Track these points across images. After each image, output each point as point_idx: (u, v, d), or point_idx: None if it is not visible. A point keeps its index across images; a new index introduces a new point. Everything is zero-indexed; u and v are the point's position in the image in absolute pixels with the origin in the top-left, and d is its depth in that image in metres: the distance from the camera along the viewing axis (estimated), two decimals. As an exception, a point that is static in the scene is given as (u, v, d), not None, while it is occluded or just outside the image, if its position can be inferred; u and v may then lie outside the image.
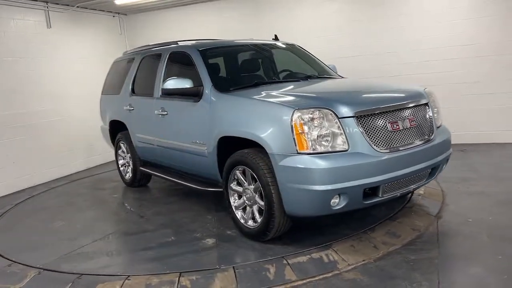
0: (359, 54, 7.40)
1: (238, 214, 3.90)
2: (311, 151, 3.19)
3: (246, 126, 3.60)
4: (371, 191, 3.34)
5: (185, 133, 4.47)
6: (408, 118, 3.56)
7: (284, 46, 5.20)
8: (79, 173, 7.47)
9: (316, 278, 3.11)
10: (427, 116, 3.76)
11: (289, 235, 3.69)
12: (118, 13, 9.06)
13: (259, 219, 3.64)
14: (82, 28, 8.09)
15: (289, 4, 7.86)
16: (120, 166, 6.25)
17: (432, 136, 3.70)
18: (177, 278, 3.19)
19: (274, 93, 3.81)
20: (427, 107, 3.80)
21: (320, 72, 4.86)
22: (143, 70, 5.59)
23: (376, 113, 3.40)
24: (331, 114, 3.25)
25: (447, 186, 4.83)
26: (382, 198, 3.42)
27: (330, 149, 3.20)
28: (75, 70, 7.79)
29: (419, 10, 7.07)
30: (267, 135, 3.38)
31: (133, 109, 5.52)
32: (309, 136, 3.20)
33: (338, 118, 3.26)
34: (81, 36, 8.06)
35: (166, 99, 4.80)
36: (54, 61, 7.41)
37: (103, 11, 8.67)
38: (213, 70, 4.36)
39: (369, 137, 3.30)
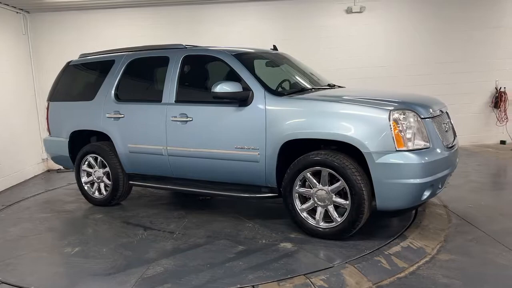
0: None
1: (307, 216, 3.96)
2: (408, 148, 3.54)
3: (330, 128, 3.73)
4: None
5: (224, 139, 4.28)
6: (446, 122, 4.21)
7: (285, 56, 5.39)
8: None
9: (420, 262, 3.45)
10: (451, 122, 4.49)
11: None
12: (22, 9, 7.78)
13: (338, 218, 3.79)
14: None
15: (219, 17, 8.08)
16: (84, 183, 5.42)
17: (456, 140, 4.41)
18: (307, 280, 3.13)
19: (344, 97, 4.06)
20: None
21: (326, 82, 5.22)
22: (134, 74, 5.09)
23: (437, 115, 3.96)
24: (415, 115, 3.68)
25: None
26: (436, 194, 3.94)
27: (420, 146, 3.60)
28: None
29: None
30: (361, 135, 3.60)
31: (122, 117, 4.93)
32: (405, 134, 3.55)
33: (421, 118, 3.70)
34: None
35: (188, 105, 4.52)
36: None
37: (7, 5, 7.34)
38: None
39: (440, 136, 3.82)
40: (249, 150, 4.14)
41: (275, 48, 5.53)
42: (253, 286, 3.09)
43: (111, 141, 5.09)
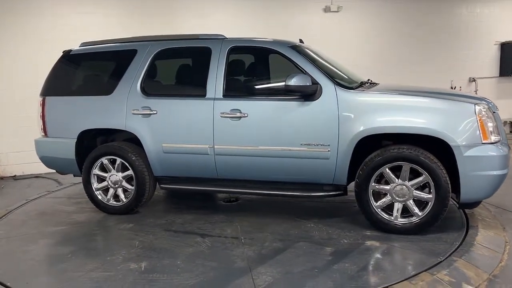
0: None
1: (382, 213, 3.91)
2: (491, 141, 3.68)
3: (417, 122, 3.72)
4: None
5: (288, 136, 4.04)
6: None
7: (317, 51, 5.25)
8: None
9: (507, 250, 3.62)
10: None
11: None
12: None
13: (419, 212, 3.80)
14: None
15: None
16: (95, 190, 4.72)
17: None
18: (434, 276, 3.09)
19: (417, 91, 4.09)
20: None
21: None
22: (165, 66, 4.60)
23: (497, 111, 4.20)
24: (490, 108, 3.85)
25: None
26: None
27: (497, 139, 3.77)
28: None
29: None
30: (450, 129, 3.64)
31: (155, 113, 4.39)
32: (488, 127, 3.69)
33: (493, 112, 3.88)
34: None
35: (241, 99, 4.20)
36: None
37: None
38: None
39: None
40: (318, 146, 3.97)
41: (301, 42, 5.37)
42: (387, 286, 2.95)
43: (135, 141, 4.51)
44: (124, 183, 4.63)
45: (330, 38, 8.32)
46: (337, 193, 4.10)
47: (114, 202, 4.70)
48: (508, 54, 9.32)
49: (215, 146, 4.24)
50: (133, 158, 4.52)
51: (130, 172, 4.57)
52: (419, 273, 3.13)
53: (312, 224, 4.20)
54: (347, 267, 3.27)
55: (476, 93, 8.73)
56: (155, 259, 3.52)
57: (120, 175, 4.62)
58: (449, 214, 4.08)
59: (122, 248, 3.79)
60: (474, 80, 9.29)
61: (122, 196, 4.66)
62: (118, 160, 4.59)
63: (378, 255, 3.48)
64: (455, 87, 9.15)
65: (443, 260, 3.33)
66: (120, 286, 3.11)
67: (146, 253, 3.66)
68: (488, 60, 9.40)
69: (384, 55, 8.69)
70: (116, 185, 4.65)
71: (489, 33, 9.21)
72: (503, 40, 9.29)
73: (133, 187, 4.58)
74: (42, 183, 6.60)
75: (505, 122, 9.48)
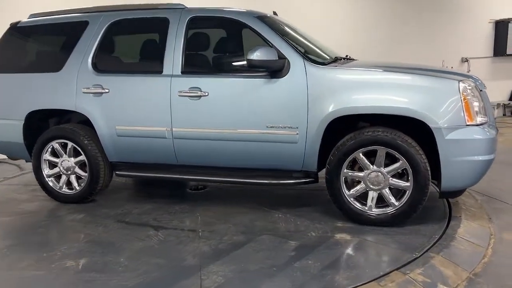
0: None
1: (355, 202, 3.52)
2: (477, 123, 3.28)
3: (395, 102, 3.31)
4: None
5: (252, 118, 3.63)
6: None
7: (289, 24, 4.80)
8: None
9: (491, 244, 3.26)
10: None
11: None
12: None
13: (396, 202, 3.42)
14: None
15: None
16: (47, 176, 4.30)
17: None
18: (406, 276, 2.72)
19: (396, 67, 3.67)
20: None
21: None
22: (119, 39, 4.15)
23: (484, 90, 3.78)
24: (476, 86, 3.43)
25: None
26: None
27: (484, 120, 3.37)
28: None
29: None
30: (431, 109, 3.24)
31: (107, 92, 3.96)
32: (473, 107, 3.28)
33: (480, 91, 3.47)
34: None
35: (201, 77, 3.77)
36: None
37: None
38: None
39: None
40: (285, 129, 3.56)
41: (275, 14, 4.91)
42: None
43: (87, 124, 4.09)
44: (77, 170, 4.22)
45: (316, 15, 7.83)
46: (307, 180, 3.72)
47: (67, 190, 4.30)
48: (502, 33, 8.89)
49: (173, 129, 3.82)
50: (85, 142, 4.10)
51: (83, 157, 4.15)
52: (391, 272, 2.76)
53: (280, 215, 3.82)
54: (310, 265, 2.89)
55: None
56: (97, 256, 3.13)
57: (72, 160, 4.21)
58: (430, 203, 3.71)
59: (64, 242, 3.40)
60: (467, 60, 8.86)
61: (75, 183, 4.25)
62: (70, 144, 4.17)
63: (347, 251, 3.11)
64: (446, 67, 8.71)
65: (419, 257, 2.96)
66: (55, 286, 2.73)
67: (90, 248, 3.27)
68: (482, 39, 8.97)
69: (372, 34, 8.23)
70: (69, 172, 4.24)
71: (483, 10, 8.76)
72: (498, 18, 8.83)
73: (86, 174, 4.17)
74: (2, 168, 6.17)
75: (498, 105, 9.11)
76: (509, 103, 9.20)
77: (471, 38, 8.85)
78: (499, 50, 8.99)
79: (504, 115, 9.14)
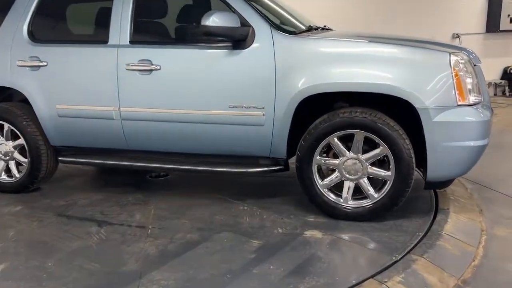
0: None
1: (329, 194, 3.07)
2: (469, 102, 2.82)
3: (375, 78, 2.83)
4: None
5: (212, 96, 3.13)
6: None
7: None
8: None
9: (482, 242, 2.87)
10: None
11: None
12: None
13: (375, 194, 2.97)
14: None
15: None
16: (-22, 163, 3.78)
17: None
18: (383, 286, 2.28)
19: (378, 38, 3.16)
20: None
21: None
22: (59, 4, 3.57)
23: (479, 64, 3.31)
24: (469, 61, 2.96)
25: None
26: None
27: (477, 100, 2.90)
28: None
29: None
30: (416, 86, 2.77)
31: (45, 65, 3.41)
32: (466, 85, 2.81)
33: (473, 66, 2.99)
34: None
35: (152, 47, 3.25)
36: None
37: None
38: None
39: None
40: (250, 109, 3.07)
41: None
42: None
43: (28, 102, 3.55)
44: (16, 155, 3.69)
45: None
46: (276, 168, 3.24)
47: (6, 178, 3.78)
48: (496, 7, 8.38)
49: (121, 109, 3.31)
50: (24, 123, 3.57)
51: (21, 141, 3.62)
52: (364, 280, 2.32)
53: (245, 207, 3.36)
54: (271, 271, 2.44)
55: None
56: (21, 259, 2.65)
57: (10, 144, 3.68)
58: (415, 193, 3.24)
59: (-13, 241, 2.91)
60: (458, 36, 8.37)
61: (14, 170, 3.73)
62: (6, 126, 3.63)
63: (316, 252, 2.65)
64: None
65: (399, 260, 2.52)
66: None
67: (16, 249, 2.78)
68: (475, 15, 8.46)
69: (359, 9, 7.69)
70: (7, 157, 3.71)
71: (476, -18, 8.24)
72: (492, -8, 8.33)
73: (27, 160, 3.65)
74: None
75: (489, 84, 8.65)
76: (500, 82, 8.76)
77: (463, 13, 8.35)
78: (492, 26, 8.50)
79: (495, 94, 8.71)
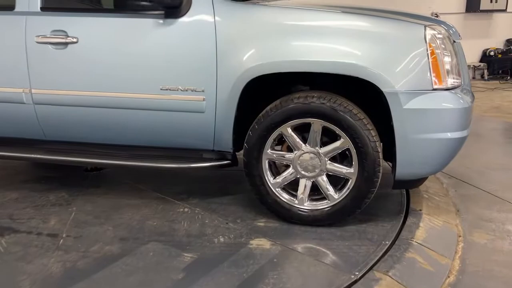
0: None
1: (282, 194, 2.57)
2: (447, 86, 2.34)
3: (333, 55, 2.32)
4: None
5: (141, 76, 2.57)
6: None
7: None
8: None
9: (459, 253, 2.43)
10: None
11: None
12: None
13: (335, 194, 2.49)
14: None
15: None
16: None
17: None
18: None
19: (338, 7, 2.63)
20: None
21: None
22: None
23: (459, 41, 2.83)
24: (448, 37, 2.47)
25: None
26: None
27: (457, 83, 2.43)
28: None
29: None
30: (383, 65, 2.27)
31: None
32: (443, 64, 2.33)
33: (452, 42, 2.51)
34: None
35: (68, 15, 2.66)
36: None
37: None
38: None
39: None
40: (187, 92, 2.53)
41: None
42: None
43: None
44: None
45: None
46: (221, 163, 2.72)
47: None
48: (477, -15, 7.96)
49: (33, 91, 2.73)
50: None
51: None
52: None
53: (186, 208, 2.84)
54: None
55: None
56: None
57: None
58: (383, 190, 2.77)
59: None
60: (437, 16, 7.89)
61: None
62: None
63: (260, 270, 2.16)
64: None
65: (360, 279, 2.05)
66: None
67: None
68: (455, -8, 8.03)
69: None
70: None
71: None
72: (472, -31, 7.88)
73: None
74: None
75: (468, 66, 8.28)
76: (479, 65, 8.39)
77: (443, -10, 7.90)
78: (471, 5, 8.09)
79: (473, 78, 8.34)
